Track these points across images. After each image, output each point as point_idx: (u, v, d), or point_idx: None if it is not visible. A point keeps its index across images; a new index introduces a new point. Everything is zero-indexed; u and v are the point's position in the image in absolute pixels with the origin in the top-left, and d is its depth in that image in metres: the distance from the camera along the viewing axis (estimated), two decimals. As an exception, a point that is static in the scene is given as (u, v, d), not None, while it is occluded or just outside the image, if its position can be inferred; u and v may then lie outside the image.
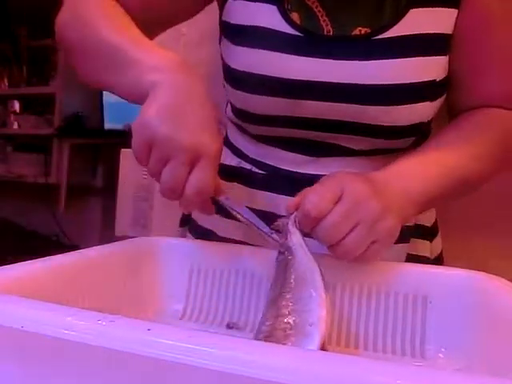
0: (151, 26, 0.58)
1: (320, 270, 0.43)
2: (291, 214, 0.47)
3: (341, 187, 0.45)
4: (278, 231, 0.48)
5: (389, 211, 0.45)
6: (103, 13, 0.53)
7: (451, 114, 0.62)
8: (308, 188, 0.47)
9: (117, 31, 0.50)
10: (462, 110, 0.60)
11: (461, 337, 0.45)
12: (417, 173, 0.51)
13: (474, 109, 0.59)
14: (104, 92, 2.57)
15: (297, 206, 0.46)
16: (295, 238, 0.46)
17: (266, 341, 0.40)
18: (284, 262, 0.46)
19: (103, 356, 0.27)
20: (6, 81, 2.87)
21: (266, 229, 0.49)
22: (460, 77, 0.58)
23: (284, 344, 0.38)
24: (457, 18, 0.55)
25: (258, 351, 0.25)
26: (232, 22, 0.60)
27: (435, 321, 0.46)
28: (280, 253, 0.47)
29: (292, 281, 0.43)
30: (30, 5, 2.71)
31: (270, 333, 0.40)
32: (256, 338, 0.41)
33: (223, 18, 0.62)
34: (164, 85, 0.44)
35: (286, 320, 0.40)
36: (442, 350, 0.46)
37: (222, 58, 0.62)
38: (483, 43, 0.57)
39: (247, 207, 0.51)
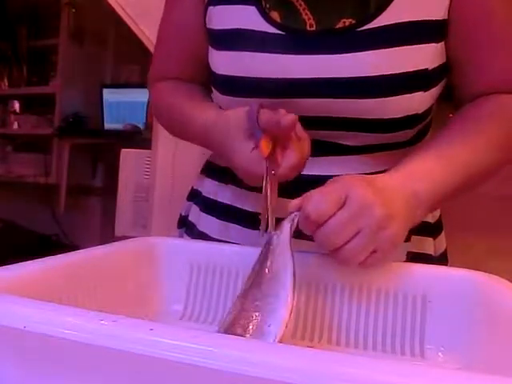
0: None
1: (294, 269, 0.42)
2: (292, 213, 0.47)
3: (345, 191, 0.43)
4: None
5: (393, 218, 0.44)
6: (181, 103, 0.65)
7: (455, 102, 0.60)
8: (312, 190, 0.46)
9: (191, 117, 0.61)
10: (465, 97, 0.58)
11: (460, 336, 0.45)
12: (424, 172, 0.50)
13: (479, 96, 0.57)
14: (104, 92, 2.58)
15: (299, 207, 0.45)
16: (283, 236, 0.45)
17: (225, 333, 0.40)
18: (263, 256, 0.45)
19: (105, 356, 0.27)
20: (6, 81, 2.88)
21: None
22: (461, 62, 0.57)
23: None
24: (451, 2, 0.53)
25: (261, 351, 0.25)
26: (214, 27, 0.60)
27: (435, 320, 0.46)
28: (264, 246, 0.47)
29: (265, 276, 0.43)
30: (30, 5, 2.72)
31: (231, 325, 0.41)
32: (218, 330, 0.42)
33: (207, 26, 0.62)
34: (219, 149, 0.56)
35: (247, 315, 0.40)
36: (442, 349, 0.46)
37: (209, 66, 0.62)
38: (484, 27, 0.55)
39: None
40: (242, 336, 0.39)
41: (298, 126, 0.50)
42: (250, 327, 0.39)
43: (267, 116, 0.49)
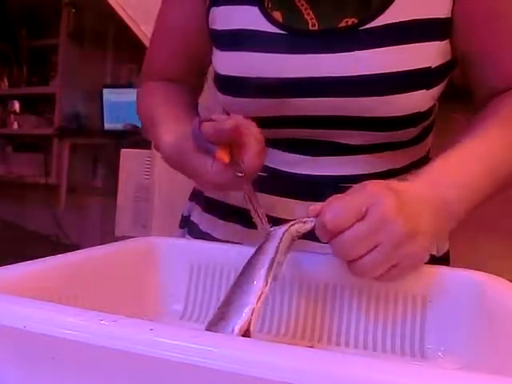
0: (194, 75, 0.70)
1: (274, 261, 0.42)
2: (307, 218, 0.45)
3: (367, 202, 0.41)
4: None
5: (416, 235, 0.42)
6: (157, 118, 0.63)
7: (474, 97, 0.59)
8: (335, 196, 0.44)
9: (160, 139, 0.59)
10: (487, 92, 0.58)
11: (460, 336, 0.45)
12: (455, 177, 0.47)
13: (501, 90, 0.56)
14: (104, 92, 2.58)
15: (317, 213, 0.44)
16: (279, 230, 0.45)
17: (207, 326, 0.40)
18: (257, 248, 0.45)
19: (105, 356, 0.27)
20: (6, 81, 2.88)
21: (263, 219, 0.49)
22: (474, 58, 0.56)
23: (210, 330, 0.38)
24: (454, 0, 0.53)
25: (261, 351, 0.25)
26: (216, 28, 0.61)
27: (435, 320, 0.46)
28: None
29: (250, 266, 0.43)
30: (30, 5, 2.72)
31: (215, 314, 0.40)
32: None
33: (210, 27, 0.62)
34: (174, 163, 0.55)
35: (228, 303, 0.40)
36: (442, 349, 0.46)
37: (204, 67, 0.62)
38: (490, 23, 0.54)
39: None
40: (216, 325, 0.39)
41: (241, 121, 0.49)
42: (227, 315, 0.39)
43: (210, 129, 0.47)
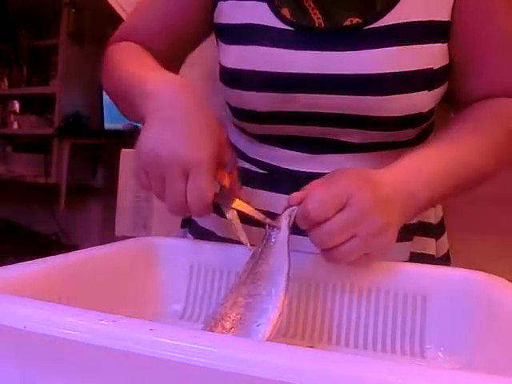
0: (174, 59, 0.67)
1: (289, 270, 0.43)
2: (290, 207, 0.46)
3: (348, 193, 0.44)
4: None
5: (389, 226, 0.45)
6: (126, 61, 0.61)
7: (457, 104, 0.61)
8: (315, 182, 0.47)
9: (132, 69, 0.56)
10: (466, 100, 0.59)
11: (460, 336, 0.45)
12: (424, 170, 0.50)
13: (479, 99, 0.58)
14: (104, 92, 2.58)
15: (299, 201, 0.46)
16: (281, 235, 0.46)
17: (212, 328, 0.41)
18: (260, 253, 0.46)
19: (105, 356, 0.27)
20: (6, 81, 2.88)
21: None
22: (462, 64, 0.57)
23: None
24: (454, 4, 0.54)
25: (261, 351, 0.25)
26: (223, 22, 0.61)
27: (435, 320, 0.47)
28: (261, 243, 0.47)
29: (259, 274, 0.43)
30: (30, 5, 2.72)
31: (219, 321, 0.41)
32: (205, 322, 0.42)
33: (215, 21, 0.62)
34: (151, 111, 0.48)
35: (238, 311, 0.41)
36: (442, 349, 0.46)
37: (219, 60, 0.62)
38: (484, 30, 0.56)
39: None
40: (229, 331, 0.39)
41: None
42: (239, 323, 0.40)
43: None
